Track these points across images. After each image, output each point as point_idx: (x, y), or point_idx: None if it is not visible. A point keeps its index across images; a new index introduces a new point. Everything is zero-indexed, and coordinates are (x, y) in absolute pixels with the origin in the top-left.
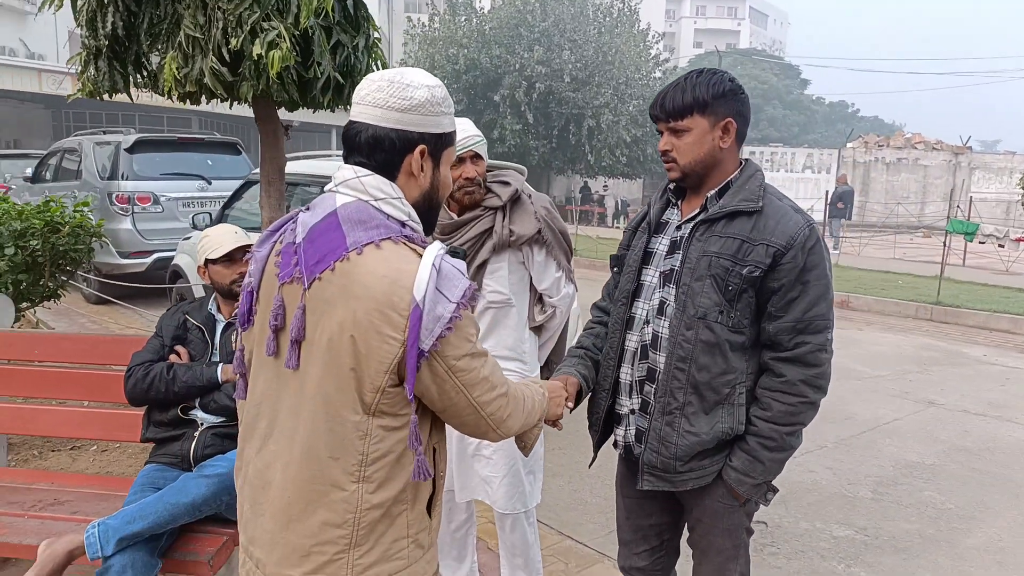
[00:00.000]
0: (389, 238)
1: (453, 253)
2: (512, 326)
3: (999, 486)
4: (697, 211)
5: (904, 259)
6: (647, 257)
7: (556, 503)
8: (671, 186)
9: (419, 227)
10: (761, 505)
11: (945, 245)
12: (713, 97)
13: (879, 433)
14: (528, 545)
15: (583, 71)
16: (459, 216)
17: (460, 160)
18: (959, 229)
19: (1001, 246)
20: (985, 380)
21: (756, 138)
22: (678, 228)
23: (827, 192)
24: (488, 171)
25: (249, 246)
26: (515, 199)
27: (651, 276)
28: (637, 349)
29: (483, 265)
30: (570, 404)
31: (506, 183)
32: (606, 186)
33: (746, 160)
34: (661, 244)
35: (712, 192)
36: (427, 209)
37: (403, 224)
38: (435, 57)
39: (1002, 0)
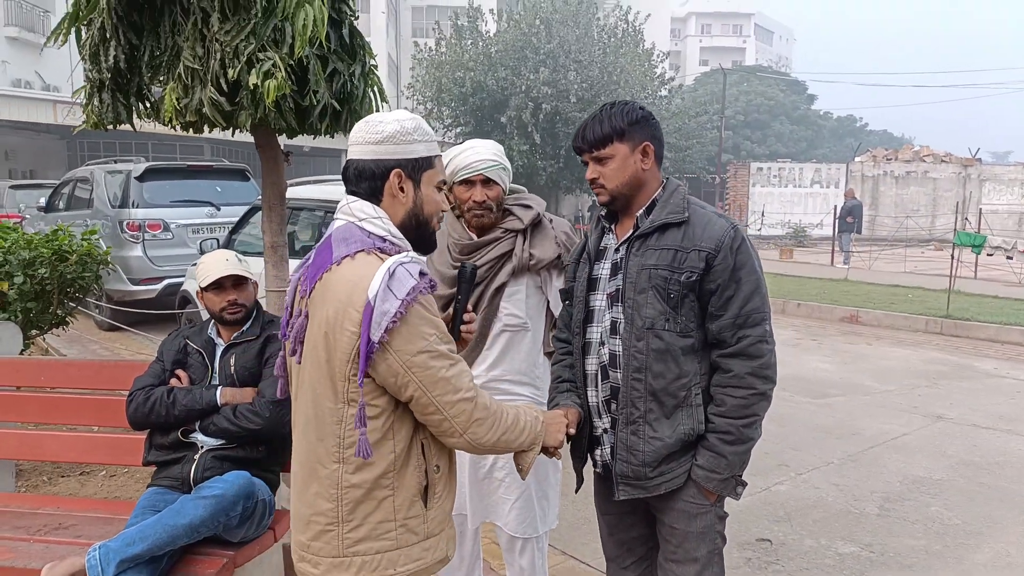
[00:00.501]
0: (363, 250)
1: (463, 268)
2: (526, 350)
3: (1007, 501)
4: (630, 231)
5: (915, 272)
6: (592, 284)
7: (560, 523)
8: (603, 213)
9: (400, 241)
10: (733, 500)
11: (954, 258)
12: (629, 124)
13: (886, 448)
14: (535, 570)
15: (589, 91)
16: (479, 237)
17: (470, 183)
18: (966, 242)
19: (1009, 258)
20: (995, 394)
21: (764, 154)
22: (616, 251)
23: (835, 207)
24: (509, 194)
25: (239, 276)
26: (536, 223)
27: (599, 300)
28: (598, 371)
29: (501, 288)
30: (572, 431)
31: (528, 206)
32: None
33: (667, 178)
34: (603, 269)
35: (640, 211)
36: (415, 225)
37: (383, 239)
38: (442, 80)
39: (1012, 11)
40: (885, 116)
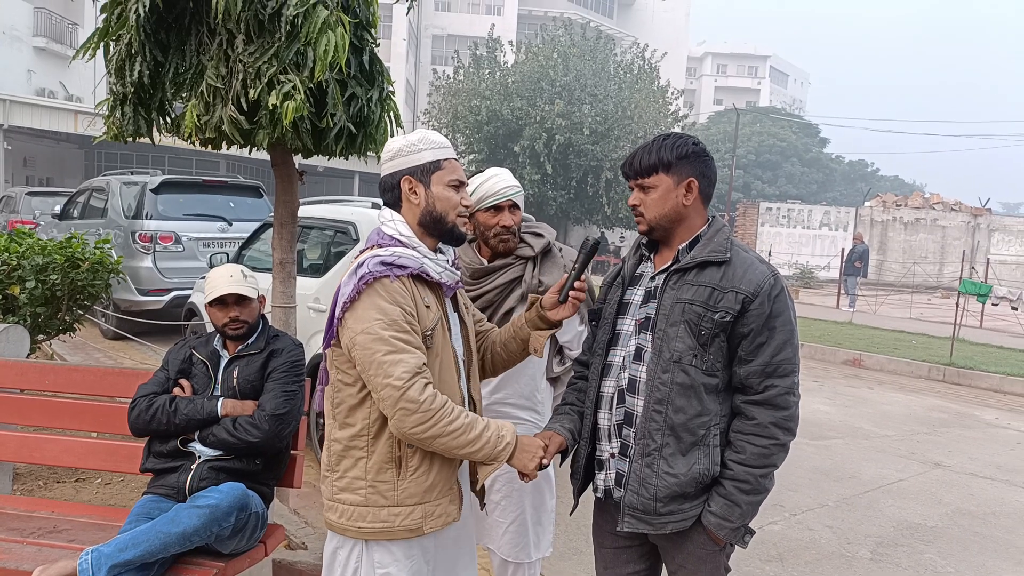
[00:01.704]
0: (370, 246)
1: (586, 240)
2: (530, 375)
3: (1002, 551)
4: (670, 263)
5: (920, 319)
6: (622, 308)
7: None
8: (643, 241)
9: (408, 239)
10: (738, 547)
11: (958, 306)
12: (676, 158)
13: (882, 493)
14: None
15: (602, 124)
16: (489, 262)
17: (498, 209)
18: (971, 290)
19: (1015, 308)
20: (995, 444)
21: (774, 194)
22: (652, 279)
23: (843, 249)
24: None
25: (241, 295)
26: (546, 251)
27: (627, 325)
28: (614, 394)
29: (509, 313)
30: (546, 461)
31: (539, 234)
32: (623, 237)
33: (713, 216)
34: (636, 295)
35: (683, 245)
36: (431, 221)
37: (392, 238)
38: (458, 108)
39: None
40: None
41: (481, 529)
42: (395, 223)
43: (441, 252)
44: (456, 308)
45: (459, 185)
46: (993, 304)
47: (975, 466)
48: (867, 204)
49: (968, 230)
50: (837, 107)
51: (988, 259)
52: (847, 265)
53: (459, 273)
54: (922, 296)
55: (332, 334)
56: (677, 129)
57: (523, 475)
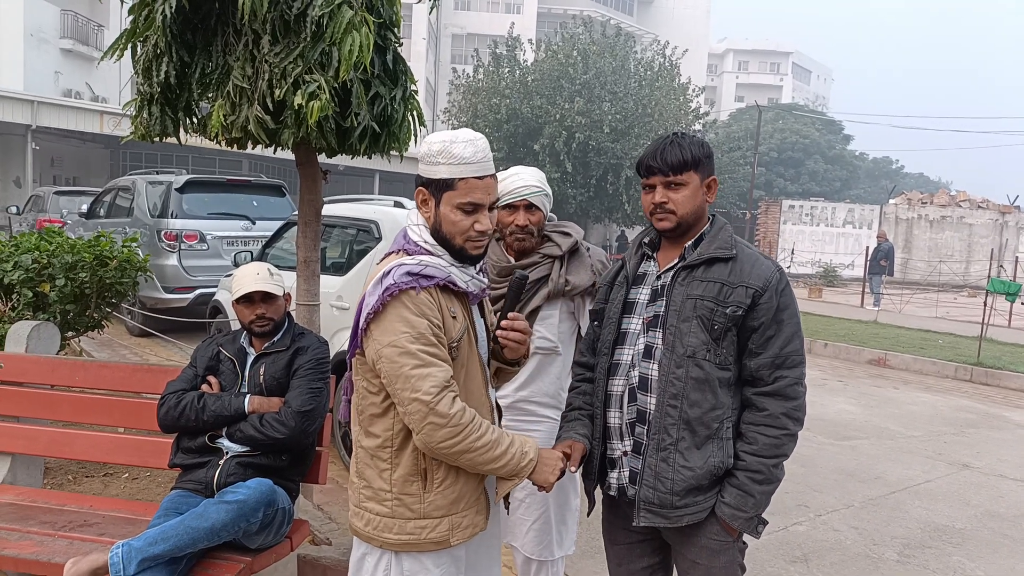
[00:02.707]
0: (394, 251)
1: (514, 277)
2: (555, 374)
3: None
4: (676, 260)
5: (946, 318)
6: (628, 307)
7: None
8: (646, 240)
9: (432, 247)
10: (761, 546)
11: (986, 305)
12: (704, 156)
13: (909, 494)
14: None
15: (623, 122)
16: (516, 261)
17: (513, 208)
18: (1000, 289)
19: None
20: None
21: (797, 192)
22: (658, 278)
23: (867, 247)
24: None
25: (268, 292)
26: (574, 250)
27: (634, 324)
28: (624, 393)
29: (535, 311)
30: (573, 469)
31: (567, 234)
32: None
33: (714, 215)
34: (641, 294)
35: (689, 243)
36: (440, 240)
37: (416, 244)
38: (477, 107)
39: None
40: (922, 159)
41: (505, 527)
42: (421, 228)
43: None
44: (482, 314)
45: (473, 208)
46: (1023, 303)
47: (1004, 467)
48: (892, 202)
49: (996, 228)
50: (861, 103)
51: (1016, 257)
52: (872, 264)
53: (486, 280)
54: (948, 295)
55: (357, 343)
56: (698, 127)
57: (541, 487)
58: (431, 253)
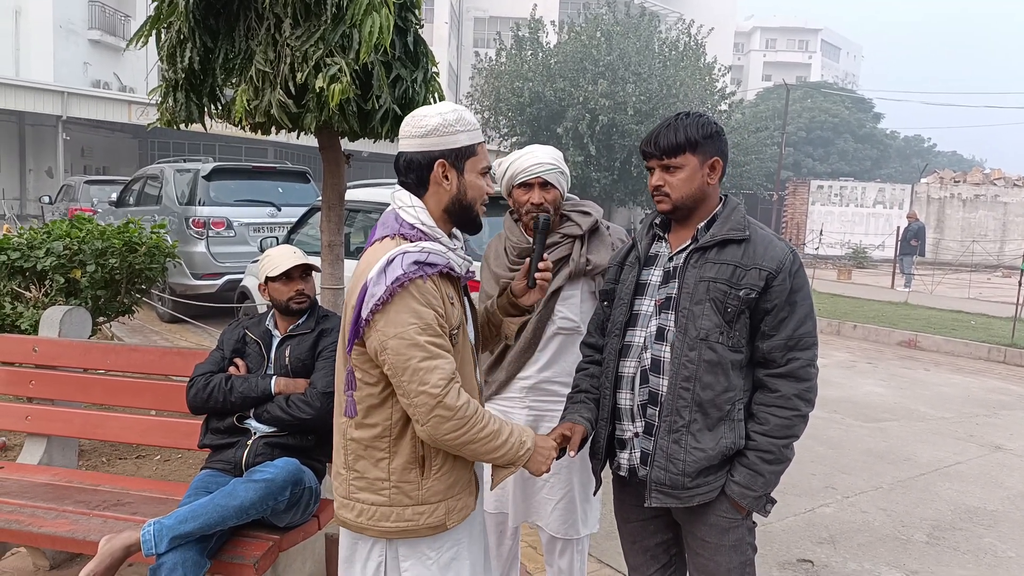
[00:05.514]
0: (389, 235)
1: (537, 219)
2: (578, 354)
3: None
4: (688, 242)
5: (979, 299)
6: (640, 288)
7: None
8: (657, 221)
9: (430, 229)
10: (761, 516)
11: (1021, 285)
12: (703, 137)
13: (939, 476)
14: (574, 572)
15: (647, 104)
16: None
17: (528, 186)
18: None
19: None
20: None
21: (826, 172)
22: (670, 259)
23: (898, 228)
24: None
25: (306, 265)
26: (594, 229)
27: (646, 305)
28: (636, 375)
29: (557, 291)
30: (571, 453)
31: (587, 213)
32: None
33: (726, 195)
34: (653, 275)
35: (701, 224)
36: (458, 210)
37: (412, 227)
38: (500, 90)
39: None
40: (955, 137)
41: (530, 506)
42: (416, 210)
43: (455, 237)
44: (467, 294)
45: (487, 171)
46: None
47: None
48: (923, 181)
49: None
50: (892, 81)
51: None
52: (903, 244)
53: (470, 259)
54: (981, 275)
55: (356, 335)
56: (724, 107)
57: (532, 474)
58: (429, 237)
